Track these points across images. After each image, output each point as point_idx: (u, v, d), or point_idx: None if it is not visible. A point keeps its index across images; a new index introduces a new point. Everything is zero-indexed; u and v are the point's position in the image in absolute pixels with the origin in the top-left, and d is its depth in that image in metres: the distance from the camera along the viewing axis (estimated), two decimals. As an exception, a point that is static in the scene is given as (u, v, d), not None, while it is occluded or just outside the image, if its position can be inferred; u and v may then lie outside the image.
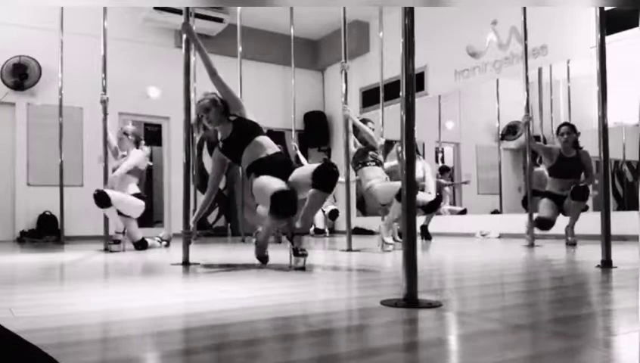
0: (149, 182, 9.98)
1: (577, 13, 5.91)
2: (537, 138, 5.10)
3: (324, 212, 7.75)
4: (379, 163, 4.60)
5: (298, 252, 2.89)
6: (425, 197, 4.90)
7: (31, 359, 0.78)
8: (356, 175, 4.72)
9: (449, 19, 7.56)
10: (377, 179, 4.48)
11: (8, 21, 7.44)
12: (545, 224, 4.91)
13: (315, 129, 10.01)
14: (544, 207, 5.06)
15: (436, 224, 6.55)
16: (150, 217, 9.43)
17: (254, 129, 3.21)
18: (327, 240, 6.75)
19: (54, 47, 6.26)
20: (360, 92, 9.19)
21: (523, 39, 5.06)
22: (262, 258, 3.12)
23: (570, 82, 7.02)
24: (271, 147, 3.19)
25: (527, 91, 4.93)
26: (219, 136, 3.31)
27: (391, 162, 5.44)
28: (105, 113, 4.89)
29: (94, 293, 2.14)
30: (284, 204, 2.79)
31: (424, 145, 8.90)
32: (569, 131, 5.05)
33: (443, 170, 8.28)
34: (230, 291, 2.13)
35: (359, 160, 4.58)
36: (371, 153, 4.59)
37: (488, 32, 7.22)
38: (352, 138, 4.64)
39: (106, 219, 4.82)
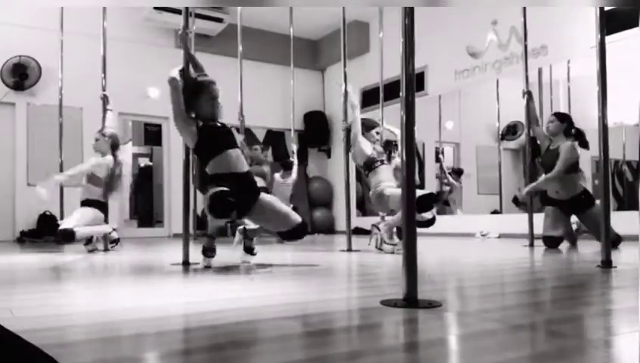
0: (148, 183, 10.01)
1: (577, 13, 5.91)
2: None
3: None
4: (386, 159, 4.32)
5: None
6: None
7: (31, 359, 0.78)
8: (367, 177, 4.35)
9: (449, 19, 7.55)
10: (389, 182, 4.18)
11: (8, 21, 7.44)
12: (549, 242, 4.55)
13: (315, 129, 10.01)
14: (544, 219, 4.67)
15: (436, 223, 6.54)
16: (151, 217, 9.44)
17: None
18: (327, 240, 6.75)
19: (54, 47, 6.26)
20: (360, 92, 9.18)
21: (523, 39, 5.06)
22: (208, 250, 3.14)
23: (570, 82, 7.02)
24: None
25: (528, 90, 4.93)
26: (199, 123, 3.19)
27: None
28: (105, 109, 4.88)
29: (94, 293, 2.14)
30: (220, 205, 2.79)
31: (424, 145, 8.90)
32: (552, 119, 4.78)
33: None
34: (230, 291, 2.13)
35: (378, 158, 4.26)
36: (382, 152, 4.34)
37: (488, 32, 7.21)
38: (361, 141, 4.32)
39: (106, 220, 4.86)
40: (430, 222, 4.38)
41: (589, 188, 6.96)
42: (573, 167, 4.63)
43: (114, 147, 4.79)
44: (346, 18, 4.79)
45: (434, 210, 4.71)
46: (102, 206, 4.75)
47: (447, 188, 8.48)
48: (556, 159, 4.57)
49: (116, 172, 4.72)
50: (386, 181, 4.18)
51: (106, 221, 4.80)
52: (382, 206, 4.27)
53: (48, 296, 2.04)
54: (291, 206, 7.28)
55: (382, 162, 4.26)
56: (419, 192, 4.27)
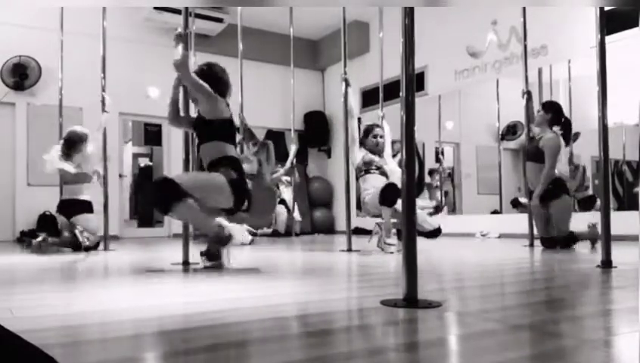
0: (148, 183, 10.00)
1: (577, 13, 5.91)
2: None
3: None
4: (383, 173, 4.43)
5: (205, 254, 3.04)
6: (425, 224, 4.39)
7: (31, 359, 0.78)
8: (357, 181, 4.56)
9: (449, 19, 7.55)
10: (371, 189, 4.30)
11: (8, 21, 7.44)
12: (546, 243, 4.54)
13: (315, 129, 10.01)
14: (535, 220, 4.70)
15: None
16: (150, 217, 9.44)
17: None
18: (327, 240, 6.75)
19: (54, 47, 6.26)
20: (360, 92, 9.19)
21: (523, 39, 5.05)
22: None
23: (571, 82, 7.02)
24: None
25: (528, 90, 4.93)
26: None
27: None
28: (103, 111, 4.90)
29: (93, 293, 2.14)
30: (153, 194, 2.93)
31: (424, 145, 8.90)
32: (539, 109, 4.71)
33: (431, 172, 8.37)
34: (230, 291, 2.13)
35: (363, 167, 4.44)
36: (377, 160, 4.45)
37: (488, 32, 7.21)
38: (353, 152, 4.49)
39: (105, 220, 4.88)
40: (435, 233, 4.38)
41: (589, 188, 6.97)
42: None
43: (66, 145, 4.93)
44: (346, 18, 4.79)
45: (439, 220, 4.74)
46: (65, 207, 4.86)
47: (437, 185, 8.52)
48: (538, 150, 4.54)
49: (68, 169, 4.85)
50: (369, 189, 4.35)
51: (69, 218, 4.82)
52: (365, 211, 4.51)
53: (47, 296, 2.04)
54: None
55: (367, 171, 4.42)
56: (427, 226, 4.37)
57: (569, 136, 4.70)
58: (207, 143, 3.09)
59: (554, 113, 4.60)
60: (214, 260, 3.02)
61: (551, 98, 7.19)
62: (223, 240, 2.97)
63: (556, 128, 4.58)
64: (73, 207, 4.83)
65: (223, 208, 3.07)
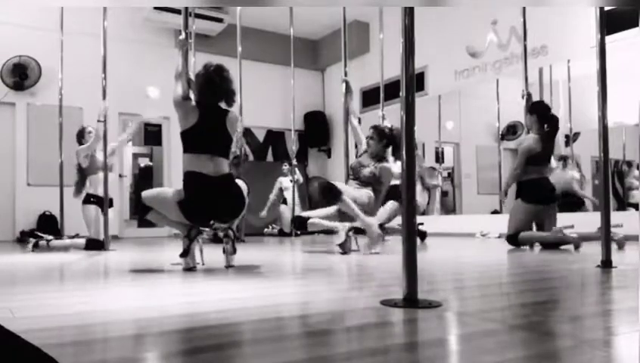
0: (148, 183, 10.00)
1: (577, 13, 5.91)
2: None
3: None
4: (361, 182, 4.55)
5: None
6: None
7: (31, 359, 0.78)
8: None
9: (449, 19, 7.55)
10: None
11: (8, 21, 7.44)
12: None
13: (315, 129, 10.01)
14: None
15: (436, 223, 6.54)
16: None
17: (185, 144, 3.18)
18: (327, 240, 6.74)
19: (54, 47, 6.26)
20: (360, 92, 9.19)
21: (523, 39, 5.06)
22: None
23: (570, 82, 7.02)
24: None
25: (528, 92, 4.93)
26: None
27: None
28: (98, 120, 4.90)
29: (94, 293, 2.14)
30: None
31: (424, 145, 8.90)
32: (526, 112, 4.69)
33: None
34: (230, 291, 2.14)
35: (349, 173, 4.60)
36: (354, 165, 4.53)
37: (488, 32, 7.21)
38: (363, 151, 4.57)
39: (106, 220, 4.90)
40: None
41: (589, 189, 6.96)
42: (534, 159, 4.48)
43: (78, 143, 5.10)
44: (346, 18, 4.79)
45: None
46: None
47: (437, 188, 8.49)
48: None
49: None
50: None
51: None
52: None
53: (48, 296, 2.04)
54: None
55: (348, 176, 4.56)
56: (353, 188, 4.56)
57: (554, 133, 4.66)
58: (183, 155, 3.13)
59: (539, 114, 4.55)
60: (183, 256, 2.96)
61: (551, 98, 7.20)
62: (191, 235, 3.01)
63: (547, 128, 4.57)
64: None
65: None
